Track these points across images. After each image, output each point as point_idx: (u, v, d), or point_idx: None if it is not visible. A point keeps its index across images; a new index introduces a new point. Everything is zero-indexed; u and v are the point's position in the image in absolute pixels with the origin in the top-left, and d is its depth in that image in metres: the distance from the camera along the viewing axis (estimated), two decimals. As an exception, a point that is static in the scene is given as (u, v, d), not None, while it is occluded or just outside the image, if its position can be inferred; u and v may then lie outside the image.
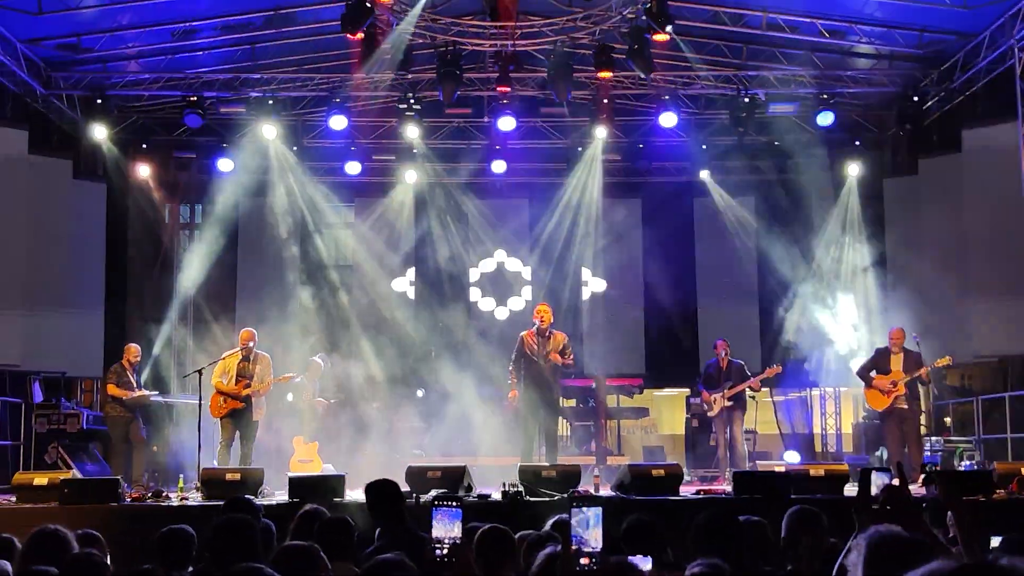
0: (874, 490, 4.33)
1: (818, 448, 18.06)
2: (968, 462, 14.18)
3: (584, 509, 4.17)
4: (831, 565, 4.72)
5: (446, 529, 4.83)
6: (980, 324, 16.06)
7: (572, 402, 17.35)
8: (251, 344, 13.41)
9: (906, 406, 13.38)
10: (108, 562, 5.19)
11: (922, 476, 11.52)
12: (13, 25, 14.56)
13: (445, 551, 4.75)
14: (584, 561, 4.06)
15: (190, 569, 5.53)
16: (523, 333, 13.31)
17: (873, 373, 13.66)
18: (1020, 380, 15.58)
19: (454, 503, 4.83)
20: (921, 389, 14.05)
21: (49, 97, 16.18)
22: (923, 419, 14.75)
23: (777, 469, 12.15)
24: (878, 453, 15.18)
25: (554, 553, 4.41)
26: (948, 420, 16.06)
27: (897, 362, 13.47)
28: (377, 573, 4.43)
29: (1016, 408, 14.82)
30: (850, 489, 11.00)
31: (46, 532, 5.22)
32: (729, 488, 11.38)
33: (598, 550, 4.10)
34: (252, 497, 10.15)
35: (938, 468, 13.25)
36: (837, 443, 18.31)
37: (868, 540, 3.89)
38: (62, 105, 16.46)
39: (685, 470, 12.27)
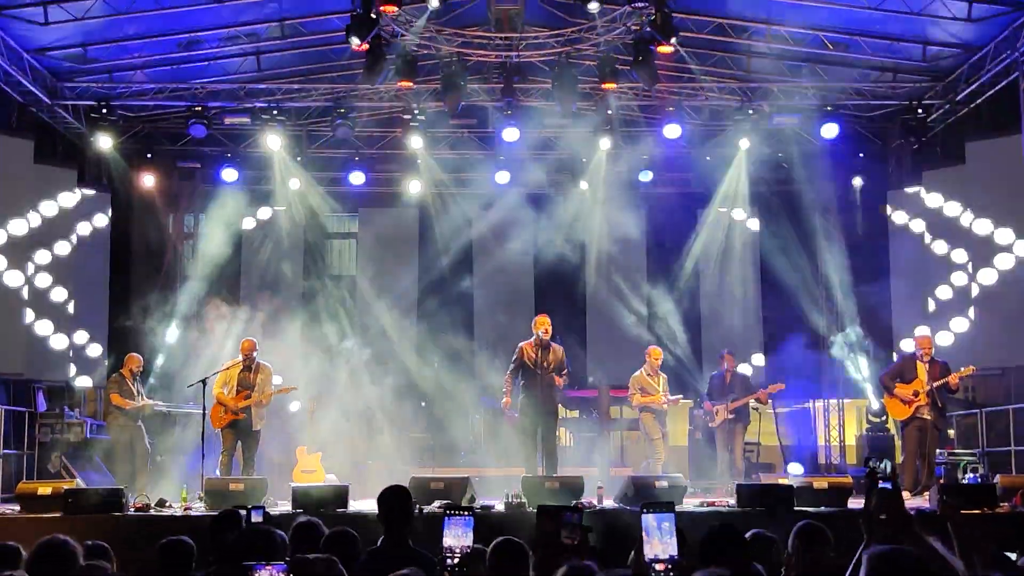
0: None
1: (821, 460, 18.03)
2: (972, 475, 14.10)
3: (659, 514, 4.02)
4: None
5: (458, 538, 4.81)
6: (983, 335, 16.06)
7: (575, 413, 17.33)
8: (253, 354, 13.42)
9: (929, 417, 12.98)
10: (115, 574, 5.17)
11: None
12: (20, 35, 14.60)
13: (456, 560, 4.72)
14: (660, 568, 3.92)
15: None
16: (522, 344, 13.22)
17: (897, 381, 13.37)
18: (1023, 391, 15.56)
19: (466, 512, 4.82)
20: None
21: (54, 107, 16.20)
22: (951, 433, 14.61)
23: (781, 482, 12.12)
24: (882, 464, 15.10)
25: (574, 569, 4.30)
26: (952, 432, 16.01)
27: (923, 371, 13.11)
28: None
29: (1020, 420, 14.78)
30: (854, 502, 10.99)
31: (53, 543, 5.20)
32: (732, 500, 11.36)
33: (676, 556, 3.96)
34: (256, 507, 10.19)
35: (942, 480, 13.19)
36: (841, 455, 18.27)
37: (869, 557, 3.92)
38: (67, 115, 16.49)
39: (688, 482, 12.22)
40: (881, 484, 4.39)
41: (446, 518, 4.79)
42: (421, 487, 10.92)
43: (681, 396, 14.97)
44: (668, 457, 14.39)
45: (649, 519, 3.96)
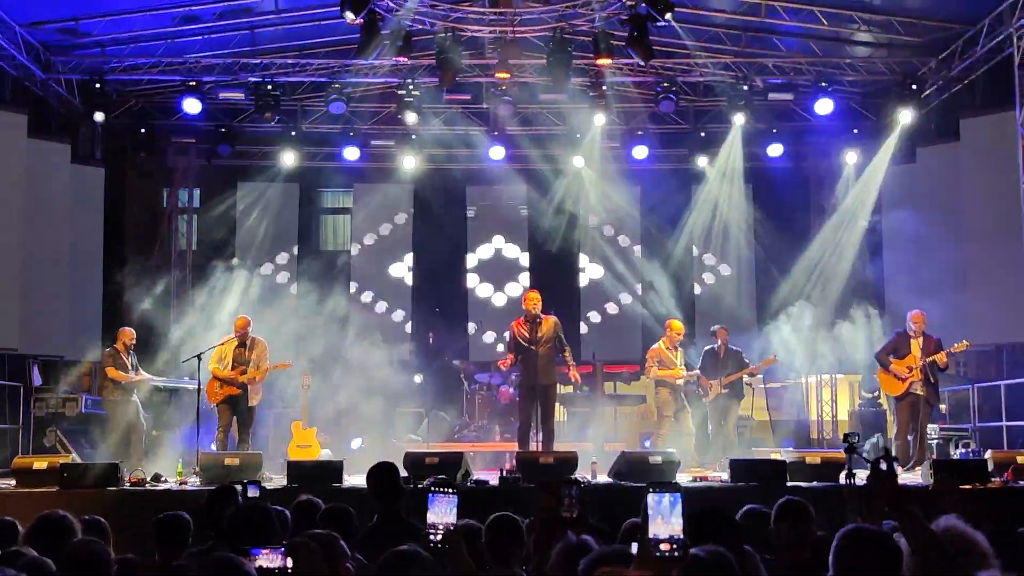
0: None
1: (814, 435, 18.09)
2: (963, 450, 14.16)
3: (664, 494, 3.99)
4: (819, 554, 4.76)
5: (441, 515, 4.83)
6: (976, 311, 16.08)
7: (569, 388, 17.38)
8: (247, 330, 13.42)
9: (922, 393, 12.98)
10: (111, 549, 5.20)
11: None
12: (12, 9, 14.54)
13: (439, 537, 4.75)
14: (665, 547, 3.89)
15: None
16: (513, 323, 13.27)
17: (892, 357, 13.36)
18: (1015, 367, 15.62)
19: (450, 489, 4.84)
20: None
21: (48, 81, 16.15)
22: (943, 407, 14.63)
23: (774, 456, 12.17)
24: (873, 439, 15.20)
25: (571, 545, 4.31)
26: (943, 407, 16.07)
27: (916, 346, 13.11)
28: (394, 566, 4.42)
29: (1011, 396, 14.85)
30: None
31: (51, 517, 5.24)
32: (725, 476, 11.41)
33: (680, 537, 3.94)
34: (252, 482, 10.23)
35: (933, 456, 13.25)
36: (833, 430, 18.33)
37: (840, 536, 3.96)
38: (61, 89, 16.44)
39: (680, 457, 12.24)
40: (882, 463, 4.40)
41: (430, 495, 4.80)
42: (416, 463, 10.96)
43: (698, 372, 14.88)
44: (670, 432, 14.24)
45: (652, 499, 3.92)
